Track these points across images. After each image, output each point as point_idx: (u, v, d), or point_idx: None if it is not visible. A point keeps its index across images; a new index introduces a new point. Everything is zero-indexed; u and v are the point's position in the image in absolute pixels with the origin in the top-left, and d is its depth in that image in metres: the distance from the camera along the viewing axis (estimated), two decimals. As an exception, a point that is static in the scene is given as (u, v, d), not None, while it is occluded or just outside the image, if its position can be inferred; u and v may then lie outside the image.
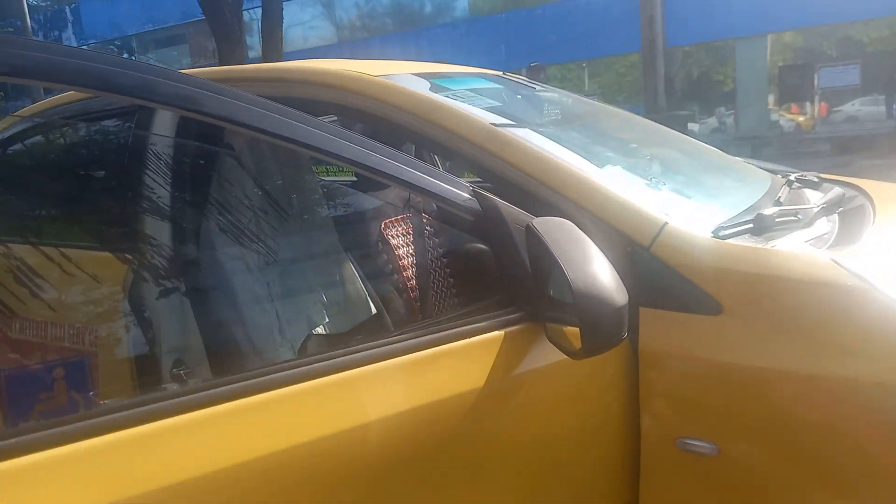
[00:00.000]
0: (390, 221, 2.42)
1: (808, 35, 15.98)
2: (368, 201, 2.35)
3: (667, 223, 1.17)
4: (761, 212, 1.28)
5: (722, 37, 15.67)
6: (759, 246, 1.17)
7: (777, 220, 1.28)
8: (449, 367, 0.98)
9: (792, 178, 1.73)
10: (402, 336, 0.97)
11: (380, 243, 2.36)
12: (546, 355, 1.04)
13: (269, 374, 0.88)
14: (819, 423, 1.02)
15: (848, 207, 1.55)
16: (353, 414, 0.90)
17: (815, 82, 14.71)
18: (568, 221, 1.03)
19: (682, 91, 16.90)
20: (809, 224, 1.37)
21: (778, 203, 1.44)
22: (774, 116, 15.88)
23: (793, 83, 15.03)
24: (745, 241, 1.19)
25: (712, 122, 17.00)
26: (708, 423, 1.07)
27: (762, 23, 14.70)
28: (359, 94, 1.48)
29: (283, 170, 1.94)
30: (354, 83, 1.50)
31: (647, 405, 1.10)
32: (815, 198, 1.61)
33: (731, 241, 1.17)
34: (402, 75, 1.62)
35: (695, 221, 1.23)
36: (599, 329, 0.89)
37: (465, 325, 1.01)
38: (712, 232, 1.19)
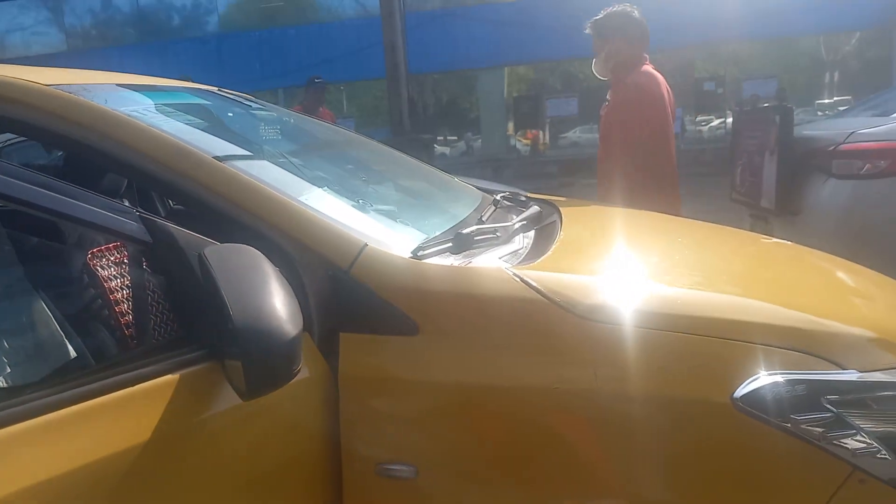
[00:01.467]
0: (100, 250, 2.13)
1: (538, 69, 17.92)
2: (69, 227, 2.05)
3: (366, 245, 1.15)
4: (460, 231, 1.32)
5: (463, 67, 16.91)
6: (454, 264, 1.20)
7: (476, 238, 1.34)
8: (103, 423, 0.84)
9: (498, 197, 1.84)
10: (45, 391, 0.82)
11: (85, 275, 2.07)
12: (233, 395, 0.95)
13: None
14: (507, 430, 1.06)
15: (543, 224, 1.69)
16: None
17: (545, 111, 16.55)
18: (248, 248, 0.96)
19: (432, 116, 17.87)
20: (508, 241, 1.45)
21: (480, 221, 1.51)
22: (513, 142, 17.52)
23: (526, 111, 16.76)
24: (444, 260, 1.22)
25: (461, 145, 18.24)
26: (406, 445, 1.06)
27: (498, 56, 16.15)
28: (19, 105, 1.27)
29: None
30: (19, 92, 1.28)
31: (347, 433, 1.07)
32: (518, 215, 1.73)
33: (429, 260, 1.19)
34: (90, 86, 1.42)
35: (397, 242, 1.23)
36: (264, 365, 0.83)
37: (130, 370, 0.88)
38: (411, 252, 1.20)
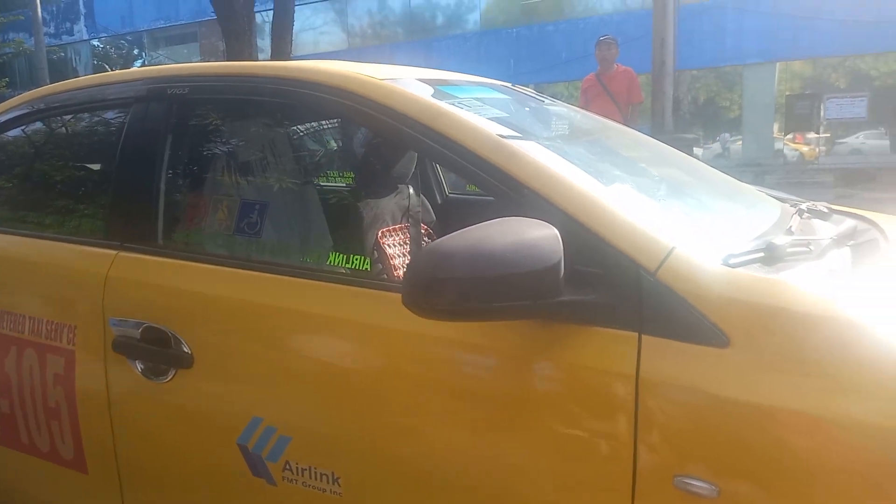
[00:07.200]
0: (388, 230, 2.36)
1: (817, 65, 16.02)
2: (367, 208, 2.29)
3: (674, 248, 1.11)
4: (773, 241, 1.23)
5: (730, 62, 15.70)
6: (772, 277, 1.12)
7: (789, 250, 1.24)
8: None
9: (803, 207, 1.68)
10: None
11: (376, 251, 2.31)
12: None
13: None
14: (826, 466, 0.96)
15: (860, 241, 1.50)
16: None
17: (822, 113, 14.72)
18: None
19: (691, 115, 16.91)
20: (821, 256, 1.32)
21: (789, 232, 1.39)
22: (779, 145, 15.89)
23: (799, 112, 15.04)
24: (756, 271, 1.14)
25: (716, 147, 17.00)
26: (709, 462, 1.01)
27: (771, 50, 14.75)
28: (363, 97, 1.43)
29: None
30: (359, 85, 1.46)
31: (645, 437, 1.05)
32: (825, 229, 1.56)
33: (740, 269, 1.12)
34: (407, 80, 1.57)
35: (703, 247, 1.18)
36: None
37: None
38: (722, 260, 1.14)
